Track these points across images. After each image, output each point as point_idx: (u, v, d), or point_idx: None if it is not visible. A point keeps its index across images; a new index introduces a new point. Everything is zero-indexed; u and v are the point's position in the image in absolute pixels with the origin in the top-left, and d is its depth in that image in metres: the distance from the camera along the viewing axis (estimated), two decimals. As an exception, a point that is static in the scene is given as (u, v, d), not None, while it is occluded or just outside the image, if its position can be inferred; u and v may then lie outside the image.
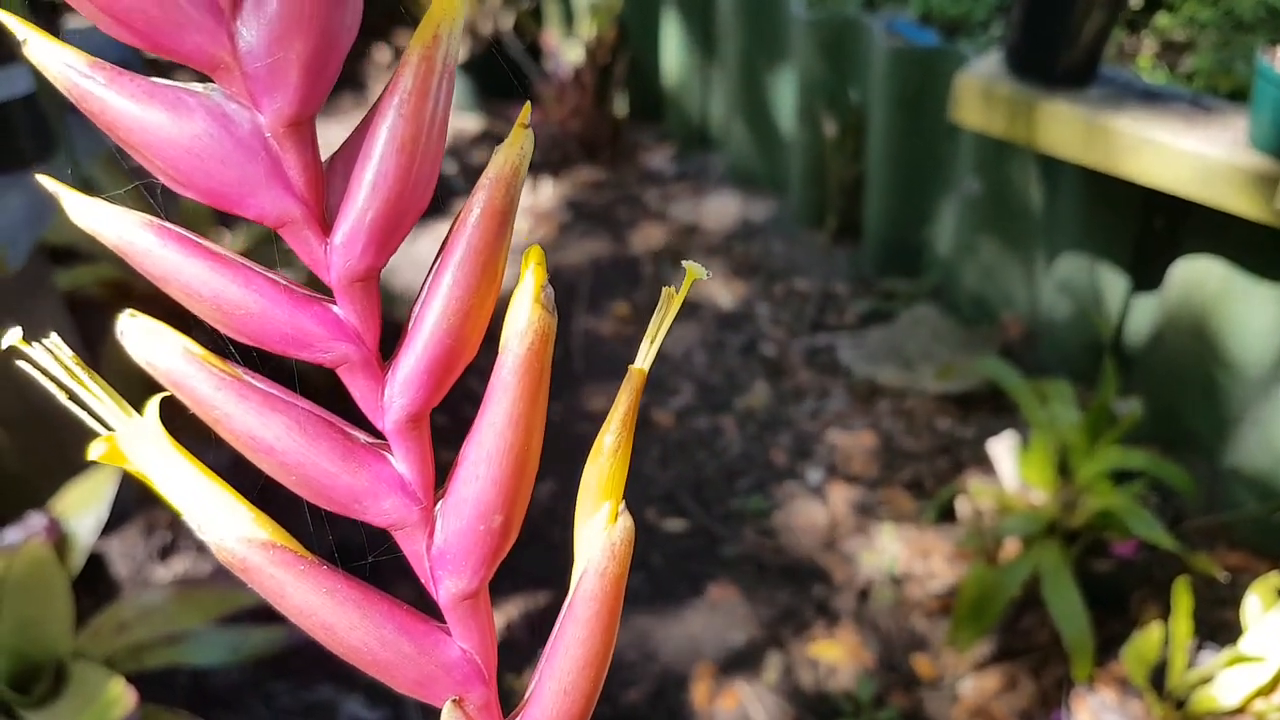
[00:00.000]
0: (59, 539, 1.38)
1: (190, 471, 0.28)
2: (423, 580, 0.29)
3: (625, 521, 0.28)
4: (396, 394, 0.27)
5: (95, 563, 1.71)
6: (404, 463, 0.28)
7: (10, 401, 1.52)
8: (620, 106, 3.00)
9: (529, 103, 0.27)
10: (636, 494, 1.89)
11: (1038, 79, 1.89)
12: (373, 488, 0.27)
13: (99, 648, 1.35)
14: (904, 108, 2.28)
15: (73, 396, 0.27)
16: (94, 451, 0.27)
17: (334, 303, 0.27)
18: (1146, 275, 2.01)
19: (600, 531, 0.28)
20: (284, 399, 0.27)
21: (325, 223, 0.26)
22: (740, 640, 1.74)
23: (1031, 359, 2.20)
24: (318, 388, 0.30)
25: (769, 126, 2.72)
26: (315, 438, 0.27)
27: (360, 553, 0.33)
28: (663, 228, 2.73)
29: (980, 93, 1.93)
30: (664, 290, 0.28)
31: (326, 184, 0.26)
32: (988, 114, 1.93)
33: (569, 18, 3.10)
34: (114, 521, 1.75)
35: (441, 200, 2.74)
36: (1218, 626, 1.73)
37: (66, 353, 0.27)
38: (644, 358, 0.28)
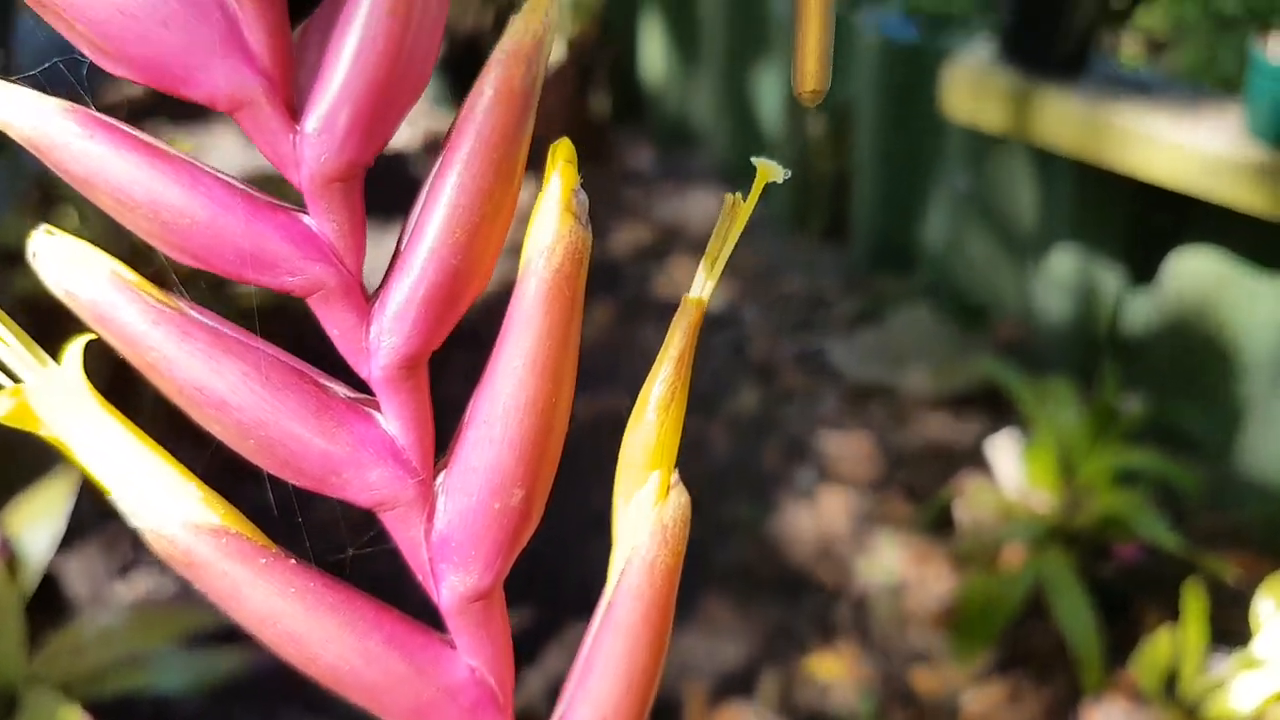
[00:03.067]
0: (10, 556, 1.31)
1: (121, 436, 0.21)
2: (420, 576, 0.22)
3: (679, 497, 0.22)
4: (386, 331, 0.21)
5: (50, 582, 1.63)
6: (395, 421, 0.21)
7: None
8: (601, 105, 2.95)
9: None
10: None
11: (1030, 68, 1.85)
12: (355, 454, 0.21)
13: (54, 672, 1.28)
14: (891, 103, 2.24)
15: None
16: (-8, 410, 0.21)
17: (304, 212, 0.21)
18: (1143, 270, 1.97)
19: (648, 510, 0.22)
20: (239, 339, 0.21)
21: (294, 105, 0.20)
22: (733, 657, 1.68)
23: (1027, 357, 2.15)
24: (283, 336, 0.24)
25: (753, 124, 2.66)
26: (280, 389, 0.20)
27: (339, 551, 0.27)
28: (645, 228, 2.68)
29: (971, 83, 1.88)
30: (726, 198, 0.22)
31: (297, 57, 0.20)
32: (979, 105, 1.89)
33: (549, 18, 3.05)
34: (71, 537, 1.68)
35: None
36: (1225, 630, 1.68)
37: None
38: (703, 286, 0.22)
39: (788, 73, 2.46)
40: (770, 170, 0.21)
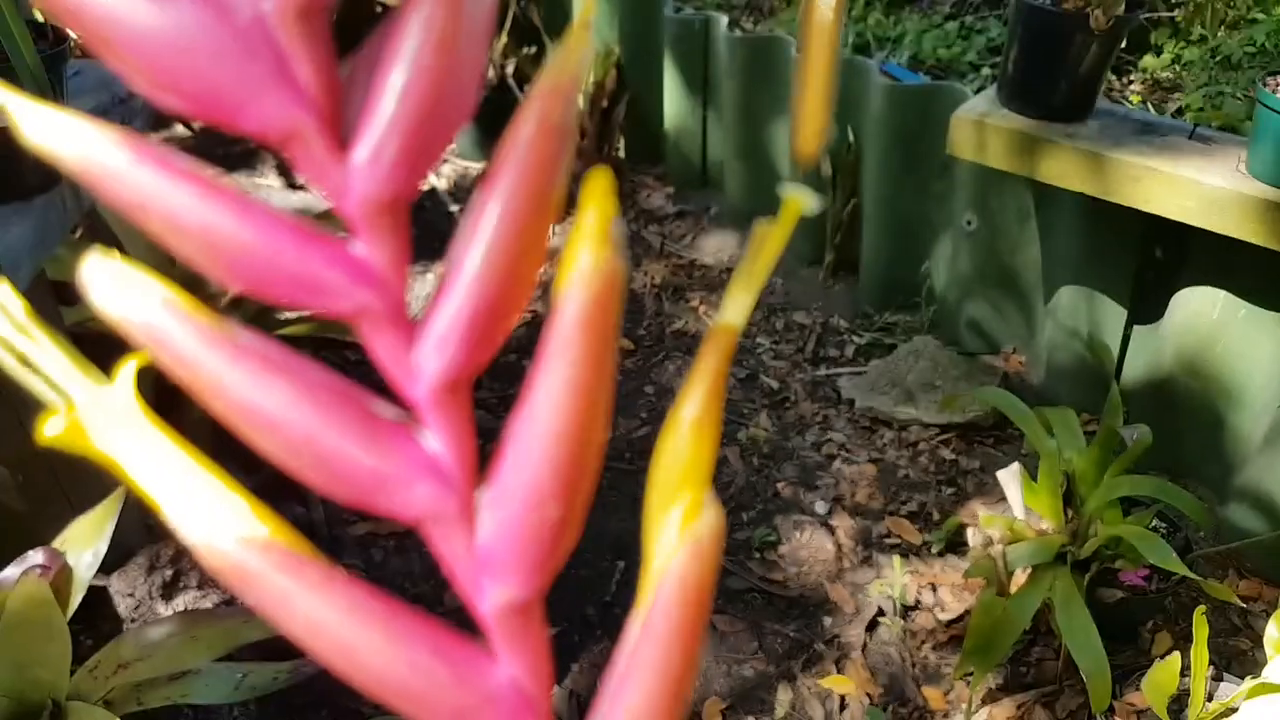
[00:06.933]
0: (58, 576, 1.32)
1: (172, 454, 0.22)
2: (461, 589, 0.23)
3: (712, 514, 0.23)
4: (431, 353, 0.22)
5: (95, 600, 1.65)
6: (440, 440, 0.22)
7: (13, 439, 1.46)
8: (620, 149, 2.98)
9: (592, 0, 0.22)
10: (639, 527, 1.83)
11: (1036, 112, 1.86)
12: (401, 471, 0.22)
13: (98, 687, 1.30)
14: (899, 145, 2.26)
15: (26, 362, 0.22)
16: (48, 429, 0.22)
17: (353, 239, 0.21)
18: (1147, 305, 1.98)
19: (681, 528, 0.23)
20: (289, 361, 0.21)
21: (342, 138, 0.21)
22: (749, 675, 1.68)
23: (1032, 390, 2.16)
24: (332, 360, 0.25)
25: (766, 165, 2.68)
26: (329, 409, 0.21)
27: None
28: (663, 264, 2.70)
29: (977, 126, 1.90)
30: (756, 226, 0.22)
31: (344, 91, 0.21)
32: (985, 147, 1.90)
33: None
34: (116, 558, 1.69)
35: (440, 241, 2.70)
36: (1231, 656, 1.68)
37: (16, 305, 0.22)
38: (735, 310, 0.22)
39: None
40: (802, 201, 0.22)
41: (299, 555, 0.22)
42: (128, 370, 0.22)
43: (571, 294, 0.21)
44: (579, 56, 0.21)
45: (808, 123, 0.24)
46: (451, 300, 0.21)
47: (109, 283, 0.21)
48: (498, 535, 0.22)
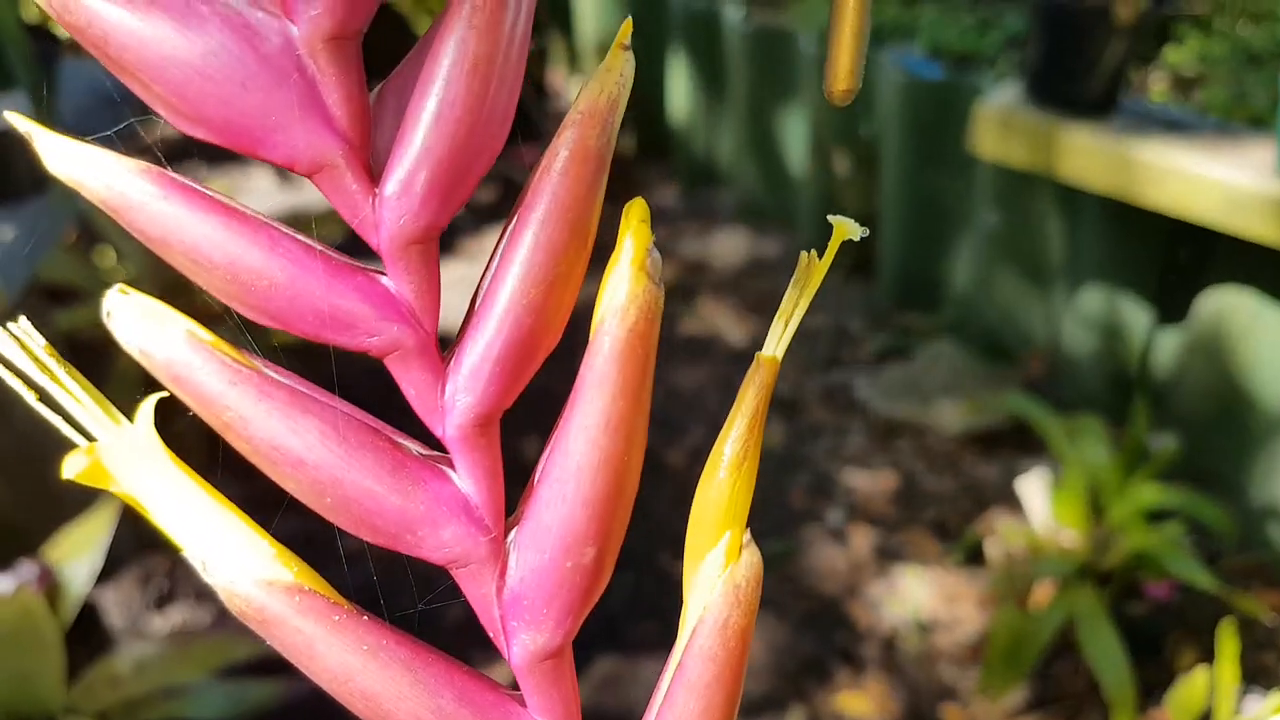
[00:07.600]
0: (51, 588, 1.32)
1: (193, 494, 0.21)
2: (491, 634, 0.22)
3: (751, 556, 0.22)
4: (461, 389, 0.21)
5: (89, 613, 1.64)
6: (469, 479, 0.21)
7: (3, 444, 1.46)
8: (626, 144, 2.96)
9: (630, 19, 0.21)
10: (649, 538, 1.82)
11: (1059, 108, 1.85)
12: (430, 512, 0.21)
13: (92, 702, 1.29)
14: (917, 141, 2.24)
15: (45, 398, 0.21)
16: (70, 468, 0.21)
17: (383, 273, 0.21)
18: (1172, 307, 1.96)
19: (720, 571, 0.22)
20: (316, 398, 0.21)
21: (372, 168, 0.20)
22: (761, 693, 1.66)
23: (1054, 394, 2.14)
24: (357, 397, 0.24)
25: (778, 163, 2.67)
26: (357, 448, 0.20)
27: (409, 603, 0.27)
28: (670, 265, 2.68)
29: (1000, 123, 1.88)
30: (802, 256, 0.22)
31: (374, 119, 0.20)
32: (1007, 144, 1.89)
33: (574, 57, 3.07)
34: (109, 569, 1.69)
35: (446, 239, 2.69)
36: (1258, 670, 1.66)
37: (38, 341, 0.21)
38: (776, 342, 0.22)
39: (813, 113, 2.47)
40: (847, 228, 0.21)
41: (323, 599, 0.21)
42: (147, 409, 0.22)
43: (609, 325, 0.21)
44: (617, 79, 0.21)
45: (841, 59, 0.23)
46: (482, 334, 0.21)
47: (130, 317, 0.21)
48: (529, 579, 0.21)
